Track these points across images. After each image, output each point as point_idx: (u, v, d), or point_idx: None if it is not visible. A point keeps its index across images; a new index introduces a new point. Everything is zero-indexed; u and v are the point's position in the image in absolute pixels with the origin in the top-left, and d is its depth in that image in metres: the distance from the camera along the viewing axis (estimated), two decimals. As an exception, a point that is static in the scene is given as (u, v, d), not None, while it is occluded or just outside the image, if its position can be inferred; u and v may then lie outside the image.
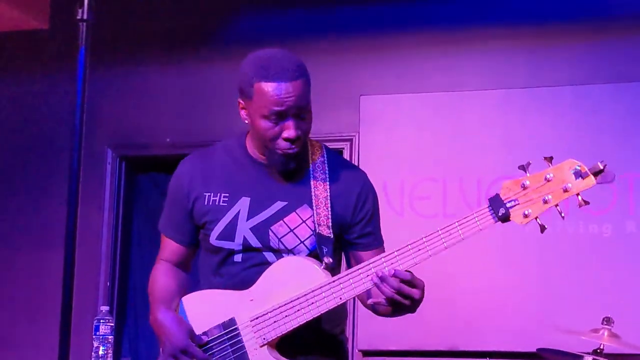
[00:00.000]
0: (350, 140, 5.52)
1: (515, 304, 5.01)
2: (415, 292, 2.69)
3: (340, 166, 2.89)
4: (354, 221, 2.82)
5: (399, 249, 2.63)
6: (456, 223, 2.58)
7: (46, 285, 5.65)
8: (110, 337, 4.57)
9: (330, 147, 5.57)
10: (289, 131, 2.69)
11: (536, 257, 5.03)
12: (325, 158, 2.86)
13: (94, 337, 4.55)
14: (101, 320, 4.57)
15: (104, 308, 4.79)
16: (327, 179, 2.81)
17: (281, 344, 2.71)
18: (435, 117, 5.30)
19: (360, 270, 2.63)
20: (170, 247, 3.00)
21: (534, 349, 4.47)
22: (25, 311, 5.82)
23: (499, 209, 2.53)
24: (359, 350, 5.25)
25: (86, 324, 4.75)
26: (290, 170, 2.78)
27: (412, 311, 2.82)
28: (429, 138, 5.28)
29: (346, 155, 5.50)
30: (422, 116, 5.32)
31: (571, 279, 4.97)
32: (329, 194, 2.78)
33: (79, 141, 1.76)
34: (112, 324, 4.60)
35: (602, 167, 2.56)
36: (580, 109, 5.11)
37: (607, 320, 4.17)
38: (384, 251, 2.80)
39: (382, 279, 2.61)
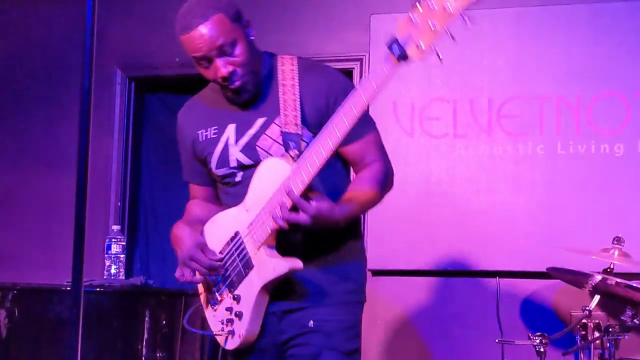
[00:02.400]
0: (360, 61, 5.48)
1: (525, 223, 5.02)
2: (303, 219, 2.69)
3: (309, 69, 2.98)
4: (330, 115, 2.82)
5: (329, 123, 2.65)
6: (370, 77, 2.61)
7: (58, 205, 5.69)
8: (122, 255, 4.62)
9: (340, 67, 5.62)
10: (219, 71, 2.84)
11: (547, 177, 5.03)
12: (295, 67, 2.96)
13: (105, 255, 4.60)
14: (113, 239, 4.62)
15: (116, 227, 4.84)
16: (296, 84, 2.90)
17: (287, 248, 2.83)
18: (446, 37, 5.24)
19: (311, 149, 2.69)
20: (194, 190, 3.23)
21: (543, 269, 4.50)
22: (38, 231, 5.86)
23: (394, 48, 2.51)
24: (369, 270, 5.28)
25: (98, 244, 4.80)
26: (246, 101, 2.93)
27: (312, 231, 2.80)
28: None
29: (356, 76, 5.48)
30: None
31: (582, 199, 4.97)
32: (298, 96, 2.88)
33: (89, 62, 1.75)
34: (124, 243, 4.66)
35: None
36: (595, 27, 5.05)
37: (618, 240, 4.19)
38: (375, 140, 2.98)
39: (279, 205, 2.70)
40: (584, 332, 4.20)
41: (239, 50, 2.84)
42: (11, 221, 5.93)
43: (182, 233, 2.99)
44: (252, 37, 2.93)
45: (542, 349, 4.05)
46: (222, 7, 2.83)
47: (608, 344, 4.03)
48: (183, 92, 5.23)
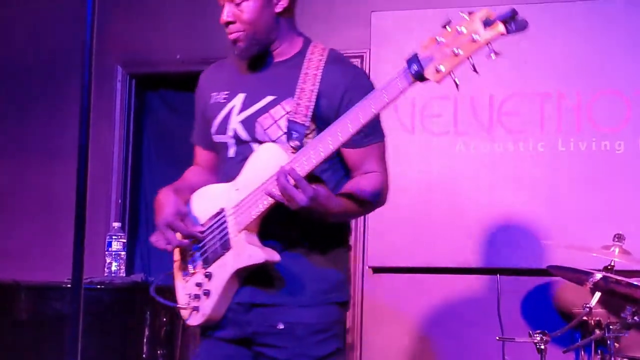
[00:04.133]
0: (361, 57, 5.47)
1: (525, 221, 5.02)
2: (300, 197, 2.63)
3: (336, 63, 2.92)
4: (340, 115, 2.75)
5: (336, 123, 2.63)
6: (382, 89, 2.55)
7: (59, 201, 5.69)
8: (122, 253, 4.62)
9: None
10: (221, 16, 2.87)
11: (547, 174, 5.03)
12: (324, 57, 2.91)
13: (106, 253, 4.60)
14: (113, 237, 4.62)
15: (116, 224, 4.84)
16: (319, 75, 2.85)
17: (269, 239, 2.80)
18: (447, 34, 5.23)
19: (310, 147, 2.67)
20: (197, 154, 3.20)
21: (544, 266, 4.50)
22: (39, 229, 5.86)
23: (413, 66, 2.47)
24: (369, 267, 5.29)
25: (98, 241, 4.79)
26: (241, 58, 2.94)
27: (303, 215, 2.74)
28: (440, 55, 5.23)
29: (357, 73, 5.46)
30: (435, 32, 5.25)
31: (582, 196, 4.96)
32: (316, 88, 2.82)
33: (89, 57, 1.75)
34: (125, 240, 4.65)
35: (510, 15, 2.43)
36: (595, 24, 5.05)
37: (619, 237, 4.19)
38: (379, 152, 2.92)
39: (278, 174, 2.65)
40: (584, 330, 4.20)
41: (247, 6, 2.85)
42: (11, 218, 5.93)
43: (165, 199, 2.90)
44: (276, 5, 2.91)
45: (542, 347, 4.05)
46: None
47: (609, 342, 4.03)
48: (184, 89, 5.22)
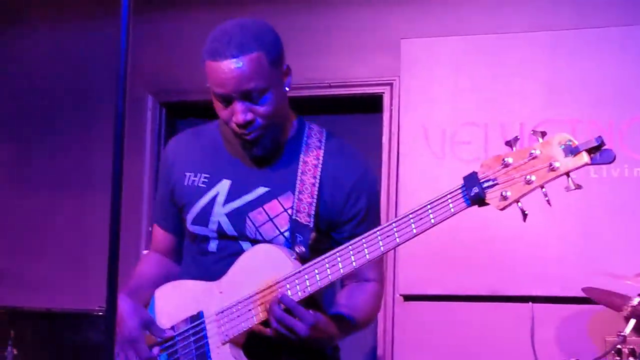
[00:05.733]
0: (391, 85, 5.47)
1: (558, 248, 4.98)
2: (299, 327, 2.32)
3: (338, 153, 2.58)
4: (343, 218, 2.53)
5: (366, 236, 2.29)
6: (428, 206, 2.24)
7: (90, 229, 5.71)
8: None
9: (370, 91, 5.62)
10: (236, 116, 2.43)
11: (580, 201, 4.98)
12: (322, 143, 2.57)
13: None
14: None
15: (146, 252, 4.85)
16: (319, 165, 2.52)
17: (253, 346, 2.47)
18: (478, 61, 5.23)
19: (326, 260, 2.34)
20: (158, 235, 2.82)
21: (577, 294, 4.47)
22: (70, 256, 5.88)
23: (472, 189, 2.17)
24: (400, 295, 5.26)
25: (128, 269, 4.80)
26: (258, 158, 2.53)
27: (306, 347, 2.41)
28: (471, 82, 5.22)
29: (386, 100, 5.46)
30: (465, 60, 5.26)
31: (616, 223, 4.92)
32: (317, 182, 2.50)
33: (123, 86, 1.75)
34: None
35: (597, 144, 2.09)
36: (628, 49, 5.02)
37: (653, 265, 4.15)
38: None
39: (271, 304, 2.33)
40: (618, 358, 4.15)
41: (267, 99, 2.44)
42: (44, 245, 5.96)
43: (121, 308, 2.47)
44: (287, 88, 2.53)
45: (576, 375, 4.02)
46: (264, 45, 2.43)
47: (643, 370, 3.99)
48: (213, 117, 5.25)
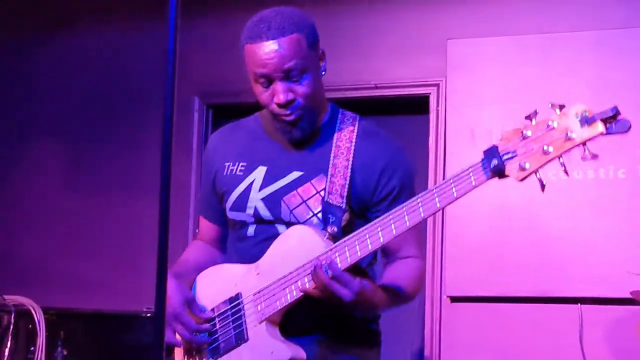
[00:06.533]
0: (437, 86, 5.45)
1: (607, 249, 4.93)
2: (344, 293, 2.39)
3: (370, 136, 2.67)
4: (376, 198, 2.62)
5: (394, 212, 2.37)
6: (451, 180, 2.31)
7: (139, 232, 5.75)
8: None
9: (417, 92, 5.62)
10: (277, 95, 2.54)
11: (629, 201, 4.94)
12: (355, 127, 2.66)
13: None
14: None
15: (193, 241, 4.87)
16: (352, 149, 2.60)
17: (291, 325, 2.55)
18: (525, 61, 5.19)
19: (355, 237, 2.41)
20: (203, 226, 2.94)
21: (627, 295, 4.42)
22: (120, 257, 5.93)
23: (492, 161, 2.22)
24: (447, 296, 5.24)
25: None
26: (297, 140, 2.63)
27: (345, 310, 2.52)
28: (518, 82, 5.19)
29: (433, 101, 5.45)
30: (512, 60, 5.23)
31: (665, 224, 4.87)
32: (350, 164, 2.58)
33: (171, 89, 1.76)
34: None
35: (612, 113, 2.15)
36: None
37: None
38: (418, 233, 2.67)
39: (315, 268, 2.40)
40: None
41: (306, 80, 2.55)
42: (93, 247, 6.02)
43: (168, 286, 2.48)
44: (323, 72, 2.64)
45: (626, 378, 3.98)
46: (303, 28, 2.55)
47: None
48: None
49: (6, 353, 4.34)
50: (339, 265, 2.40)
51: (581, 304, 4.94)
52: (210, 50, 5.92)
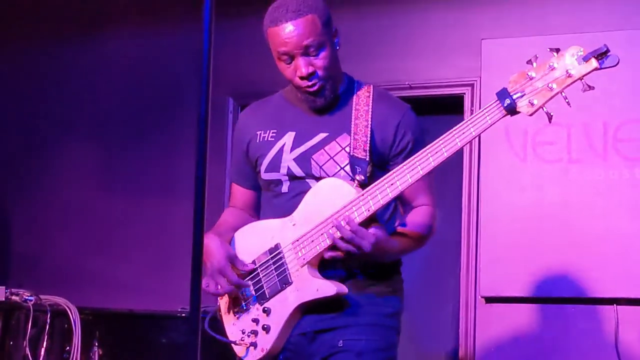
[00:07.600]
0: (472, 86, 5.44)
1: (643, 250, 4.90)
2: (364, 244, 2.72)
3: (384, 99, 3.02)
4: (394, 152, 2.96)
5: (417, 156, 2.72)
6: (469, 121, 2.65)
7: (172, 232, 5.78)
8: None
9: (451, 92, 5.62)
10: (299, 69, 2.87)
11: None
12: (370, 93, 2.99)
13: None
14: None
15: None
16: (370, 110, 2.93)
17: (328, 268, 2.85)
18: (558, 60, 5.16)
19: (385, 181, 2.73)
20: (235, 192, 3.24)
21: (664, 296, 4.39)
22: (153, 257, 5.96)
23: (505, 100, 2.58)
24: (482, 297, 5.22)
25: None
26: (320, 107, 2.97)
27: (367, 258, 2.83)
28: (552, 82, 5.15)
29: (467, 101, 5.44)
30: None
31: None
32: (369, 124, 2.91)
33: (205, 90, 1.77)
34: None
35: (603, 50, 2.60)
36: None
37: None
38: (429, 183, 2.99)
39: (336, 226, 2.73)
40: None
41: (323, 54, 2.88)
42: (127, 248, 6.05)
43: (211, 243, 2.91)
44: (337, 47, 2.97)
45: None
46: (316, 9, 2.89)
47: None
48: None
49: (42, 352, 4.37)
50: (365, 213, 2.73)
51: (617, 304, 4.91)
52: (243, 51, 5.93)
